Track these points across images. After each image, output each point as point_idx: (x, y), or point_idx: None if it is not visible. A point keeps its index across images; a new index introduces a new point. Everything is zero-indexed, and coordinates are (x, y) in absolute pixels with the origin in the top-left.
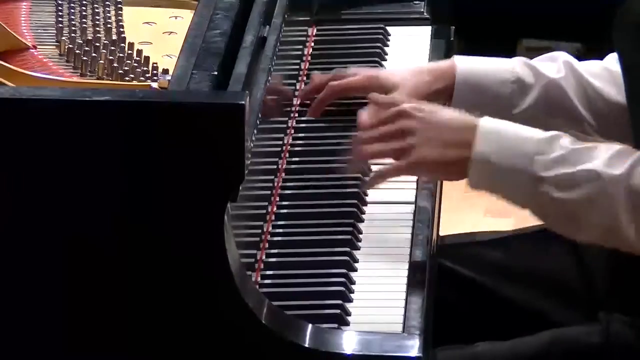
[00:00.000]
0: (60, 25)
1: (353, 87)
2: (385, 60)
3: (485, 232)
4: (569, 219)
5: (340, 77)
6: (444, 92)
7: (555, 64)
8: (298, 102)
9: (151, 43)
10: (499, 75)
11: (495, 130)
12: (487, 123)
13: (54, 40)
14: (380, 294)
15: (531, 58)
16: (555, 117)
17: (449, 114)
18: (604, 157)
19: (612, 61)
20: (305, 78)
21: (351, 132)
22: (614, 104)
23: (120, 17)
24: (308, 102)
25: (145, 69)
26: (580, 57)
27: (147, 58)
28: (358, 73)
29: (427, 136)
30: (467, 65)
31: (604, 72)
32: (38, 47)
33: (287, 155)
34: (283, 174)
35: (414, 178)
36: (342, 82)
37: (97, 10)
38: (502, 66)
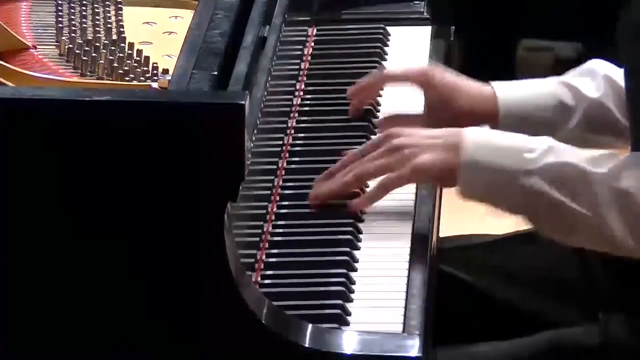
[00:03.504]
0: (60, 25)
1: (404, 77)
2: (385, 60)
3: (484, 234)
4: (559, 218)
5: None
6: (487, 117)
7: (594, 81)
8: (298, 102)
9: (151, 43)
10: (541, 101)
11: (482, 134)
12: (474, 129)
13: (54, 40)
14: (380, 294)
15: (531, 58)
16: (601, 134)
17: (434, 128)
18: (589, 155)
19: None
20: (305, 78)
21: (351, 132)
22: None
23: (120, 17)
24: (308, 102)
25: (145, 69)
26: (580, 57)
27: (147, 58)
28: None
29: (419, 147)
30: (507, 93)
31: None
32: (38, 47)
33: (287, 155)
34: (283, 174)
35: None
36: (395, 71)
37: (97, 10)
38: (542, 90)
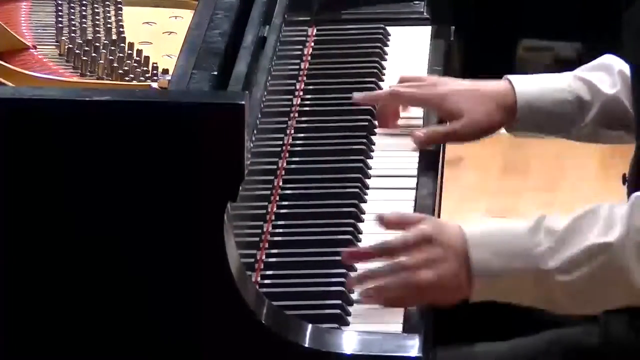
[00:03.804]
0: (60, 25)
1: (414, 99)
2: (385, 60)
3: None
4: (585, 299)
5: (409, 79)
6: (506, 118)
7: (610, 77)
8: (298, 102)
9: (151, 43)
10: (557, 95)
11: (483, 241)
12: (473, 236)
13: (54, 40)
14: None
15: (531, 58)
16: (614, 129)
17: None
18: (599, 226)
19: None
20: (305, 78)
21: (351, 132)
22: None
23: (120, 17)
24: (308, 102)
25: (145, 69)
26: (580, 57)
27: (147, 58)
28: (421, 80)
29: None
30: (525, 87)
31: None
32: (38, 47)
33: (287, 155)
34: (283, 174)
35: (414, 176)
36: (406, 90)
37: (97, 10)
38: (559, 85)
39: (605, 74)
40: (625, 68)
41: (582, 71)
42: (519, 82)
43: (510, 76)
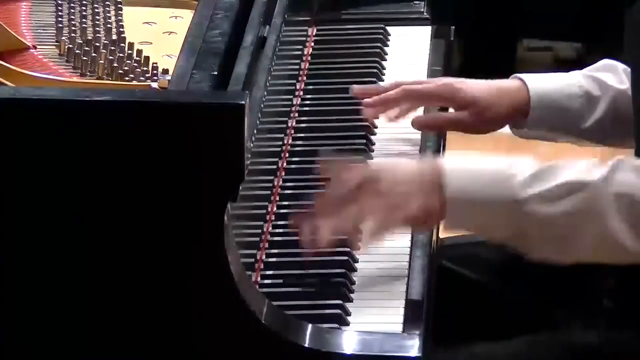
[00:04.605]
0: (60, 25)
1: (427, 94)
2: (385, 60)
3: None
4: (558, 238)
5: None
6: (518, 113)
7: (616, 75)
8: (298, 102)
9: (151, 43)
10: (567, 91)
11: (461, 167)
12: (451, 163)
13: (54, 40)
14: (380, 294)
15: (531, 58)
16: (623, 126)
17: (410, 165)
18: (579, 167)
19: None
20: (305, 78)
21: (351, 132)
22: None
23: (120, 17)
24: (308, 102)
25: (145, 69)
26: (580, 57)
27: (147, 58)
28: (432, 82)
29: (398, 193)
30: (537, 84)
31: None
32: (38, 47)
33: (287, 155)
34: (283, 174)
35: None
36: (417, 86)
37: (97, 10)
38: (568, 81)
39: (611, 73)
40: (626, 68)
41: (588, 71)
42: (531, 78)
43: (519, 74)
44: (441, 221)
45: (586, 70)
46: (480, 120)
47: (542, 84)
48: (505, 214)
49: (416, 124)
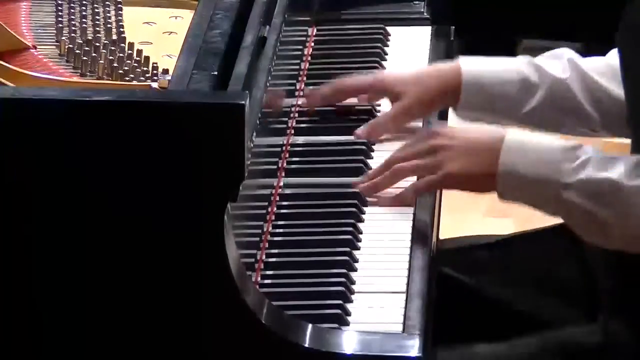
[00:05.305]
0: (60, 25)
1: (357, 86)
2: (385, 60)
3: (484, 235)
4: (596, 228)
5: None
6: (451, 95)
7: (560, 63)
8: (298, 102)
9: (151, 43)
10: (505, 75)
11: (519, 142)
12: (512, 135)
13: (54, 40)
14: (380, 294)
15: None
16: (565, 115)
17: (476, 129)
18: (625, 167)
19: (614, 57)
20: (305, 78)
21: (351, 132)
22: (618, 101)
23: (120, 17)
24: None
25: (145, 69)
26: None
27: (147, 58)
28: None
29: (457, 151)
30: (472, 66)
31: (607, 69)
32: (38, 47)
33: (287, 155)
34: (283, 174)
35: (413, 178)
36: (347, 79)
37: (97, 10)
38: (508, 66)
39: (557, 60)
40: (577, 59)
41: (535, 58)
42: (467, 61)
43: (461, 57)
44: (487, 191)
45: (538, 57)
46: (420, 105)
47: (478, 67)
48: (550, 196)
49: (357, 137)
